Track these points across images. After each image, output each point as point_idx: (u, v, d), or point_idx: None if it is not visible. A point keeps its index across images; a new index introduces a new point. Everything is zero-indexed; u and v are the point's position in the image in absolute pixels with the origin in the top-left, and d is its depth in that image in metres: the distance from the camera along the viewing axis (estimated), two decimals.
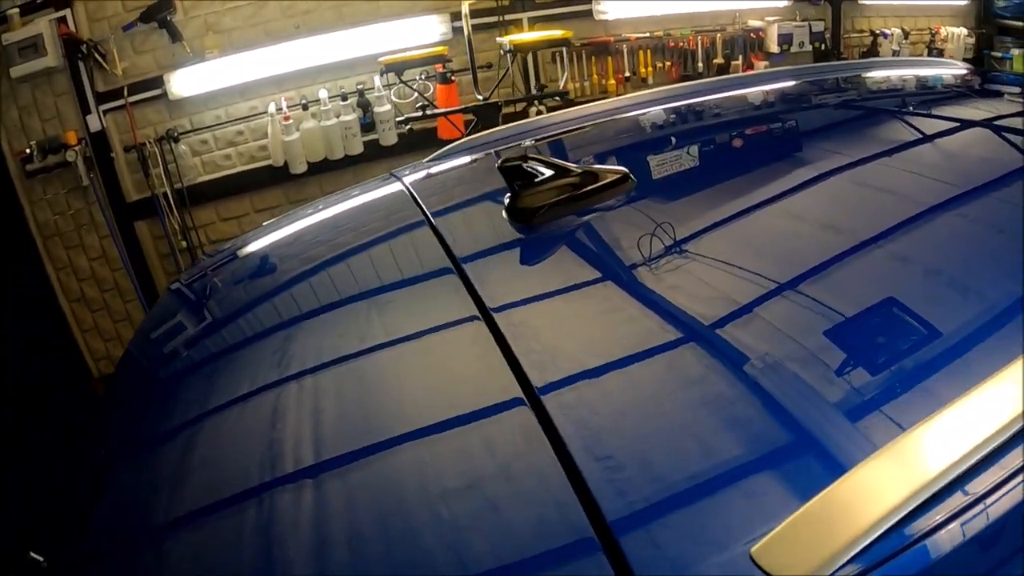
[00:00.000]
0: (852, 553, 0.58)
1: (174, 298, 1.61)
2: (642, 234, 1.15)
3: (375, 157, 4.31)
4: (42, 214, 3.89)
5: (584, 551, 0.65)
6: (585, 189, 1.26)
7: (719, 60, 4.70)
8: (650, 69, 4.63)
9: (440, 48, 3.88)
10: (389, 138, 4.29)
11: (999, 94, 1.94)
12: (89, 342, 4.16)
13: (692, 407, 0.81)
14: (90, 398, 4.09)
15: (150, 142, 3.83)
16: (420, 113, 3.74)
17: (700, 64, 4.68)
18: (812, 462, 0.72)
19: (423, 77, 4.19)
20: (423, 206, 1.46)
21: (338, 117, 4.10)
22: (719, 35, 4.71)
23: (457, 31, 4.12)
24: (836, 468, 0.66)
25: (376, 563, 0.70)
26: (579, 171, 1.28)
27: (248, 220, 4.26)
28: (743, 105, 1.90)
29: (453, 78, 4.11)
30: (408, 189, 1.60)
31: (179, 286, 1.63)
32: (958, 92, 1.95)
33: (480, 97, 3.78)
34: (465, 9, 3.68)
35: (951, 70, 2.16)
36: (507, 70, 3.93)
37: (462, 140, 1.93)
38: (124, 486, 1.00)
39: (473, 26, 3.81)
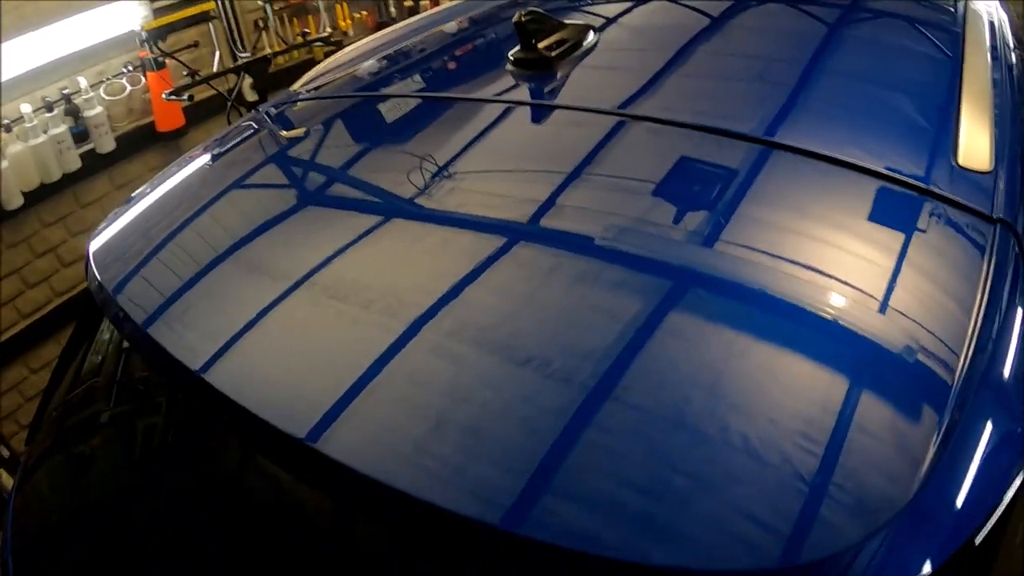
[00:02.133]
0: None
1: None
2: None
3: (96, 169, 3.86)
4: None
5: None
6: (576, 39, 1.50)
7: (408, 3, 4.90)
8: (349, 22, 4.68)
9: (207, 3, 3.58)
10: (106, 144, 3.87)
11: None
12: None
13: None
14: None
15: None
16: (191, 80, 3.47)
17: (392, 9, 4.84)
18: None
19: (129, 69, 3.83)
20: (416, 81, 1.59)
21: (47, 132, 3.58)
22: None
23: (159, 11, 3.81)
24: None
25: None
26: (572, 26, 1.53)
27: None
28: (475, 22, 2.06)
29: (166, 61, 3.82)
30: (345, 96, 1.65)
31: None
32: None
33: (246, 55, 3.62)
34: None
35: None
36: (266, 22, 3.82)
37: (326, 62, 1.94)
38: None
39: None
